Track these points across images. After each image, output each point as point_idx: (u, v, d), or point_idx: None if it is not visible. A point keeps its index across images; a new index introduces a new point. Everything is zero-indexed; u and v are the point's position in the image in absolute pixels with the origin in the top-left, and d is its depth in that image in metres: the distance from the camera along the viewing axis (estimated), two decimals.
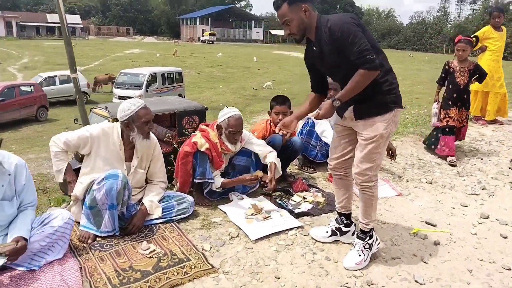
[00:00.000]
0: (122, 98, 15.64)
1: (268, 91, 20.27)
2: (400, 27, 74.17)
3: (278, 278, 2.35)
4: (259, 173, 3.29)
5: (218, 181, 3.25)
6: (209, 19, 70.92)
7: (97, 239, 2.66)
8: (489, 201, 3.59)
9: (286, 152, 3.68)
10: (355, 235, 2.63)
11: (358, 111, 2.39)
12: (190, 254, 2.51)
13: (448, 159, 4.55)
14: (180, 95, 16.58)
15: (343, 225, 2.74)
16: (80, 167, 2.94)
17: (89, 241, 2.61)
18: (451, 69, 4.63)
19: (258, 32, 77.67)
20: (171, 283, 2.24)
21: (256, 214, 3.03)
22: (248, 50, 46.75)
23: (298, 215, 3.09)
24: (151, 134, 2.97)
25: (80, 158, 4.51)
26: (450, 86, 4.64)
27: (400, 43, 68.13)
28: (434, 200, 3.57)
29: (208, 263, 2.44)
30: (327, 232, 2.75)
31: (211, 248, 2.62)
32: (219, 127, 3.30)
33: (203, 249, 2.60)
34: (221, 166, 3.36)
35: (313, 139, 4.13)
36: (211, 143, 3.24)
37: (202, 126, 3.42)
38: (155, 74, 17.35)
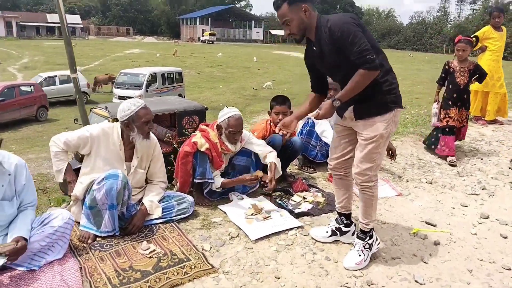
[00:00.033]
0: (122, 98, 15.64)
1: (268, 91, 20.27)
2: (400, 27, 74.20)
3: (278, 278, 2.35)
4: (259, 173, 3.29)
5: (218, 181, 3.25)
6: (209, 19, 70.93)
7: (97, 239, 2.66)
8: (489, 201, 3.59)
9: (286, 152, 3.68)
10: (355, 235, 2.63)
11: (358, 111, 2.39)
12: (190, 254, 2.51)
13: (448, 159, 4.55)
14: (180, 95, 16.58)
15: (343, 225, 2.74)
16: (80, 167, 2.94)
17: (89, 241, 2.61)
18: (451, 69, 4.63)
19: (258, 32, 77.68)
20: (171, 283, 2.24)
21: (256, 214, 3.03)
22: (248, 50, 46.75)
23: (298, 215, 3.09)
24: (151, 134, 2.97)
25: (80, 158, 4.52)
26: (450, 86, 4.64)
27: (400, 43, 68.14)
28: (434, 200, 3.57)
29: (208, 263, 2.44)
30: (327, 232, 2.75)
31: (211, 248, 2.62)
32: (219, 127, 3.30)
33: (203, 249, 2.60)
34: (221, 166, 3.36)
35: (313, 139, 4.13)
36: (211, 143, 3.24)
37: (202, 126, 3.42)
38: (155, 74, 17.35)
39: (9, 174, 2.28)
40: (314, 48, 2.37)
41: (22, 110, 14.80)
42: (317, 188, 3.65)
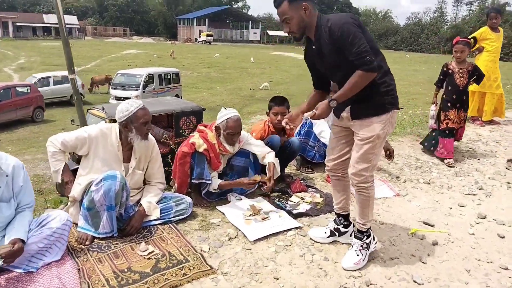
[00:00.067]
0: (118, 99, 15.63)
1: (265, 92, 20.30)
2: (397, 27, 74.43)
3: (277, 279, 2.35)
4: (258, 177, 3.28)
5: (215, 182, 3.25)
6: (206, 19, 70.93)
7: (95, 240, 2.64)
8: (486, 201, 3.61)
9: (284, 152, 3.68)
10: (353, 235, 2.63)
11: (355, 111, 2.39)
12: (189, 255, 2.51)
13: (446, 161, 4.56)
14: (177, 95, 16.57)
15: (342, 225, 2.74)
16: (76, 168, 2.93)
17: (87, 242, 2.60)
18: (450, 71, 4.61)
19: (255, 33, 77.72)
20: (169, 284, 2.23)
21: (254, 215, 3.03)
22: (245, 50, 46.77)
23: (296, 216, 3.09)
24: (150, 135, 2.96)
25: (76, 159, 4.50)
26: (450, 88, 4.63)
27: (397, 44, 68.35)
28: (431, 200, 3.58)
29: (207, 264, 2.44)
30: (325, 232, 2.76)
31: (209, 249, 2.62)
32: (217, 129, 3.29)
33: (201, 250, 2.60)
34: (219, 167, 3.35)
35: (311, 140, 4.13)
36: (209, 144, 3.23)
37: (200, 127, 3.41)
38: (152, 74, 17.34)
39: (7, 176, 2.26)
40: (314, 47, 2.37)
41: (18, 111, 14.76)
42: (315, 188, 3.66)
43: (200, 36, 65.10)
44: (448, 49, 55.83)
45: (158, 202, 2.96)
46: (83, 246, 2.57)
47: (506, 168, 4.48)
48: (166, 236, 2.74)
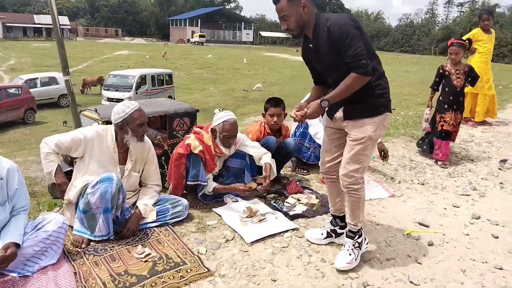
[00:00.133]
0: (111, 100, 15.54)
1: (258, 93, 20.32)
2: (389, 29, 74.86)
3: (275, 281, 2.35)
4: (253, 185, 3.28)
5: (210, 185, 3.24)
6: (199, 20, 70.79)
7: (91, 243, 2.62)
8: (480, 202, 3.64)
9: (280, 154, 3.68)
10: (345, 234, 2.63)
11: (349, 112, 2.40)
12: (186, 258, 2.50)
13: (439, 162, 4.58)
14: (170, 97, 16.51)
15: (338, 227, 2.75)
16: (69, 170, 2.89)
17: (83, 245, 2.58)
18: (447, 72, 4.58)
19: (248, 34, 77.74)
20: (167, 287, 2.22)
21: (251, 217, 3.02)
22: (238, 51, 46.77)
23: (293, 217, 3.10)
24: (145, 137, 2.95)
25: (69, 161, 4.47)
26: (447, 89, 4.59)
27: (389, 45, 68.75)
28: (426, 201, 3.60)
29: (204, 266, 2.43)
30: (322, 234, 2.76)
31: (206, 251, 2.61)
32: (213, 131, 3.28)
33: (198, 252, 2.59)
34: (214, 169, 3.34)
35: (306, 141, 4.14)
36: (205, 145, 3.22)
37: (196, 129, 3.40)
38: (145, 75, 17.23)
39: (1, 179, 2.24)
40: (311, 45, 2.37)
41: (9, 112, 14.60)
42: (311, 190, 3.66)
43: (192, 37, 64.96)
44: (439, 50, 56.37)
45: (154, 204, 2.94)
46: (79, 249, 2.55)
47: (499, 169, 4.53)
48: (162, 239, 2.72)
